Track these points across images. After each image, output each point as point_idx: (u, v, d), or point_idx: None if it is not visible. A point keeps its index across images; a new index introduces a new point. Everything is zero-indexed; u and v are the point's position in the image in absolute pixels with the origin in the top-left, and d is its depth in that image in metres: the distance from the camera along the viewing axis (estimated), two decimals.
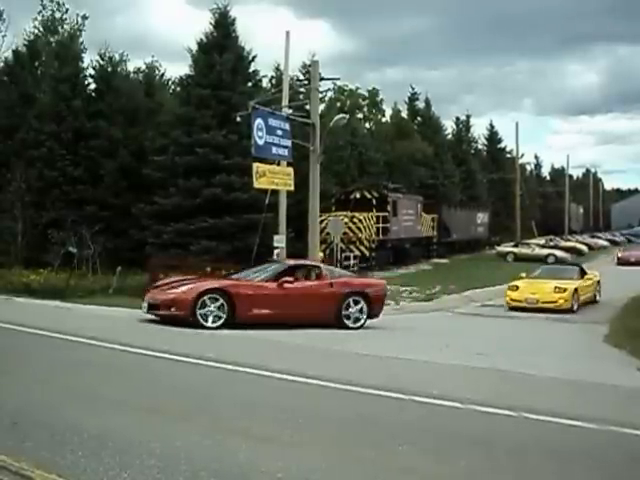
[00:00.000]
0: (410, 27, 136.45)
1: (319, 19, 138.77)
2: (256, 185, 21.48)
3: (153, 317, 14.27)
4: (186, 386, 8.24)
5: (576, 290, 20.47)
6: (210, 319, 13.65)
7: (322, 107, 35.30)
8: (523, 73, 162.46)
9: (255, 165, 21.06)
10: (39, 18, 40.90)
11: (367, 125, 53.68)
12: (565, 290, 20.19)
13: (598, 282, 22.68)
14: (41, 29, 40.42)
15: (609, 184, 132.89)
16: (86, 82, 32.64)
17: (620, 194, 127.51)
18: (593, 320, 17.47)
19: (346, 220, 31.31)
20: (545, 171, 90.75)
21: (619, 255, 43.14)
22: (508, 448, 6.05)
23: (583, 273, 22.52)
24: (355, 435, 6.26)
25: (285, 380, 8.55)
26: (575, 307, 20.15)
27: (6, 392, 7.28)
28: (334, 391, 8.10)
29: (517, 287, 20.95)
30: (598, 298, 22.41)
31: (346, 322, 15.02)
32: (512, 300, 20.66)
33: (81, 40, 36.81)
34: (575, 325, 16.90)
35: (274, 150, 21.28)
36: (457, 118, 62.01)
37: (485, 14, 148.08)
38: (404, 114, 54.83)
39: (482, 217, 52.51)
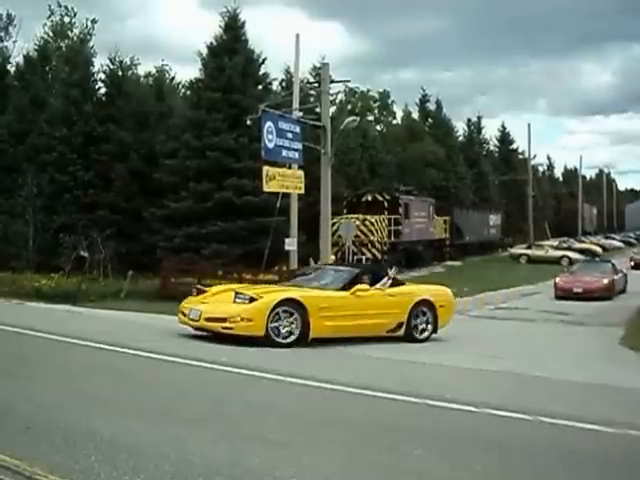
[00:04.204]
0: (423, 28, 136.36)
1: (332, 20, 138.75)
2: (266, 189, 21.47)
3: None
4: (199, 390, 8.20)
5: (301, 310, 11.75)
6: None
7: (333, 109, 35.29)
8: (537, 73, 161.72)
9: (265, 168, 21.05)
10: (49, 23, 41.20)
11: (378, 127, 53.65)
12: (252, 300, 11.70)
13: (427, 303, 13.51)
14: (51, 34, 40.68)
15: (623, 184, 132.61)
16: (97, 86, 32.74)
17: (634, 194, 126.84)
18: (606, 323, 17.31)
19: (358, 223, 31.25)
20: (558, 172, 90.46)
21: (557, 281, 25.39)
22: (524, 452, 5.98)
23: (354, 282, 12.97)
24: (370, 439, 6.21)
25: (298, 384, 8.50)
26: (289, 339, 11.71)
27: (19, 396, 7.27)
28: (347, 395, 8.04)
29: (200, 292, 13.21)
30: (425, 334, 13.40)
31: None
32: (182, 315, 12.53)
33: (91, 44, 36.95)
34: (591, 328, 16.73)
35: (284, 153, 21.27)
36: (468, 119, 61.96)
37: (498, 15, 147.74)
38: (415, 116, 54.78)
39: (495, 219, 52.30)
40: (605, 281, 24.44)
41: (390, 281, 13.55)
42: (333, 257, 24.39)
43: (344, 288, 12.68)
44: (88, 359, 10.05)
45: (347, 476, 5.22)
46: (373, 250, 31.95)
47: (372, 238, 32.25)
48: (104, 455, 5.29)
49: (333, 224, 25.36)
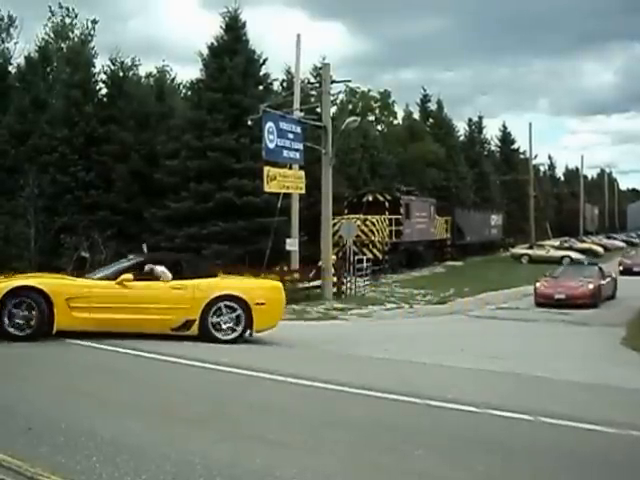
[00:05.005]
0: (424, 28, 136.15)
1: (333, 20, 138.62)
2: (266, 189, 21.51)
3: None
4: (200, 391, 8.20)
5: (42, 299, 10.64)
6: None
7: (334, 110, 35.31)
8: (538, 73, 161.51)
9: (266, 169, 21.09)
10: (49, 24, 41.29)
11: (379, 127, 53.65)
12: None
13: None
14: (52, 35, 40.78)
15: (625, 184, 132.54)
16: (97, 87, 32.87)
17: (636, 194, 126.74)
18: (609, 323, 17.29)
19: (359, 223, 31.26)
20: (559, 172, 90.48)
21: (537, 286, 22.81)
22: (525, 453, 5.97)
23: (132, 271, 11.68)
24: (371, 440, 6.20)
25: (299, 385, 8.49)
26: (26, 330, 10.62)
27: (21, 397, 7.27)
28: (348, 395, 8.03)
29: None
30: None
31: None
32: None
33: (92, 45, 37.09)
34: (593, 328, 16.68)
35: (285, 153, 21.32)
36: (469, 119, 62.05)
37: (499, 14, 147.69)
38: (416, 116, 54.81)
39: (496, 219, 52.32)
40: (590, 287, 21.98)
41: (166, 271, 11.75)
42: (334, 257, 24.40)
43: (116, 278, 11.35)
44: (89, 359, 10.05)
45: (348, 476, 5.22)
46: (374, 250, 31.96)
47: (373, 238, 32.26)
48: (105, 456, 5.30)
49: (334, 224, 25.36)
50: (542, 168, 79.25)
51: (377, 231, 32.48)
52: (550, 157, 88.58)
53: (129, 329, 11.04)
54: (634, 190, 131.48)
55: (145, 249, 15.31)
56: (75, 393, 7.71)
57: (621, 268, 34.43)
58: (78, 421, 6.35)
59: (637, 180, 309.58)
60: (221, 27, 30.27)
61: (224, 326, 11.50)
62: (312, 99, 29.48)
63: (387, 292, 24.88)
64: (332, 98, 28.12)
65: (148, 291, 11.36)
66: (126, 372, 9.28)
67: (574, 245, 50.06)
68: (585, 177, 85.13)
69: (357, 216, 32.07)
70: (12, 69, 35.77)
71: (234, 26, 30.29)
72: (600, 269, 24.45)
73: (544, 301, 21.75)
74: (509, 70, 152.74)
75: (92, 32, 41.08)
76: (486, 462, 5.60)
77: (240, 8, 30.51)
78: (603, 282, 23.12)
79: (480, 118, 62.77)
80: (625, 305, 20.51)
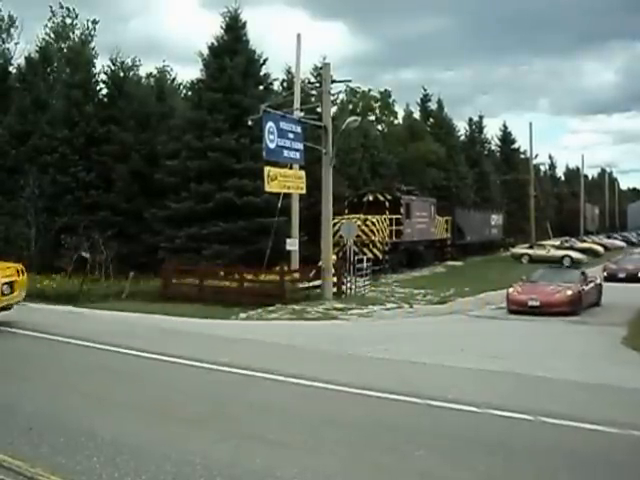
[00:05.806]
0: (424, 28, 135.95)
1: (334, 20, 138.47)
2: (267, 189, 21.47)
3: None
4: (200, 391, 8.20)
5: None
6: None
7: (334, 109, 35.26)
8: (539, 72, 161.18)
9: (266, 169, 21.05)
10: (50, 24, 41.33)
11: (379, 127, 53.61)
12: None
13: None
14: (52, 35, 40.81)
15: (625, 184, 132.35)
16: (98, 87, 32.82)
17: (637, 194, 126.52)
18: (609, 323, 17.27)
19: (359, 223, 31.21)
20: (560, 171, 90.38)
21: (510, 292, 20.13)
22: (526, 453, 5.97)
23: None
24: (371, 440, 6.20)
25: (300, 385, 8.50)
26: None
27: (22, 397, 7.28)
28: (349, 395, 8.04)
29: None
30: None
31: None
32: None
33: (93, 45, 37.12)
34: (593, 327, 16.65)
35: (285, 153, 21.28)
36: (470, 119, 61.93)
37: (499, 14, 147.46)
38: (416, 116, 54.77)
39: (496, 219, 52.25)
40: (569, 292, 19.54)
41: None
42: (334, 257, 24.37)
43: None
44: (89, 360, 10.06)
45: (348, 476, 5.23)
46: (374, 250, 31.90)
47: (373, 238, 32.21)
48: (105, 456, 5.30)
49: (334, 224, 25.31)
50: (542, 168, 79.16)
51: (377, 231, 32.42)
52: (550, 157, 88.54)
53: None
54: (635, 190, 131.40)
55: None
56: (75, 393, 7.71)
57: (605, 274, 31.35)
58: (78, 421, 6.36)
59: (638, 180, 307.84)
60: (221, 27, 30.25)
61: None
62: (312, 99, 29.44)
63: (387, 292, 24.83)
64: (332, 98, 28.08)
65: None
66: (125, 372, 9.29)
67: (574, 245, 49.96)
68: (586, 177, 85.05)
69: (357, 216, 32.01)
70: (13, 69, 35.76)
71: (234, 26, 30.24)
72: (582, 273, 22.24)
73: (517, 308, 19.47)
74: (509, 70, 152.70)
75: (92, 32, 41.18)
76: (487, 462, 5.61)
77: (240, 8, 30.50)
78: (585, 287, 20.74)
79: (480, 118, 62.72)
80: (612, 311, 20.02)
